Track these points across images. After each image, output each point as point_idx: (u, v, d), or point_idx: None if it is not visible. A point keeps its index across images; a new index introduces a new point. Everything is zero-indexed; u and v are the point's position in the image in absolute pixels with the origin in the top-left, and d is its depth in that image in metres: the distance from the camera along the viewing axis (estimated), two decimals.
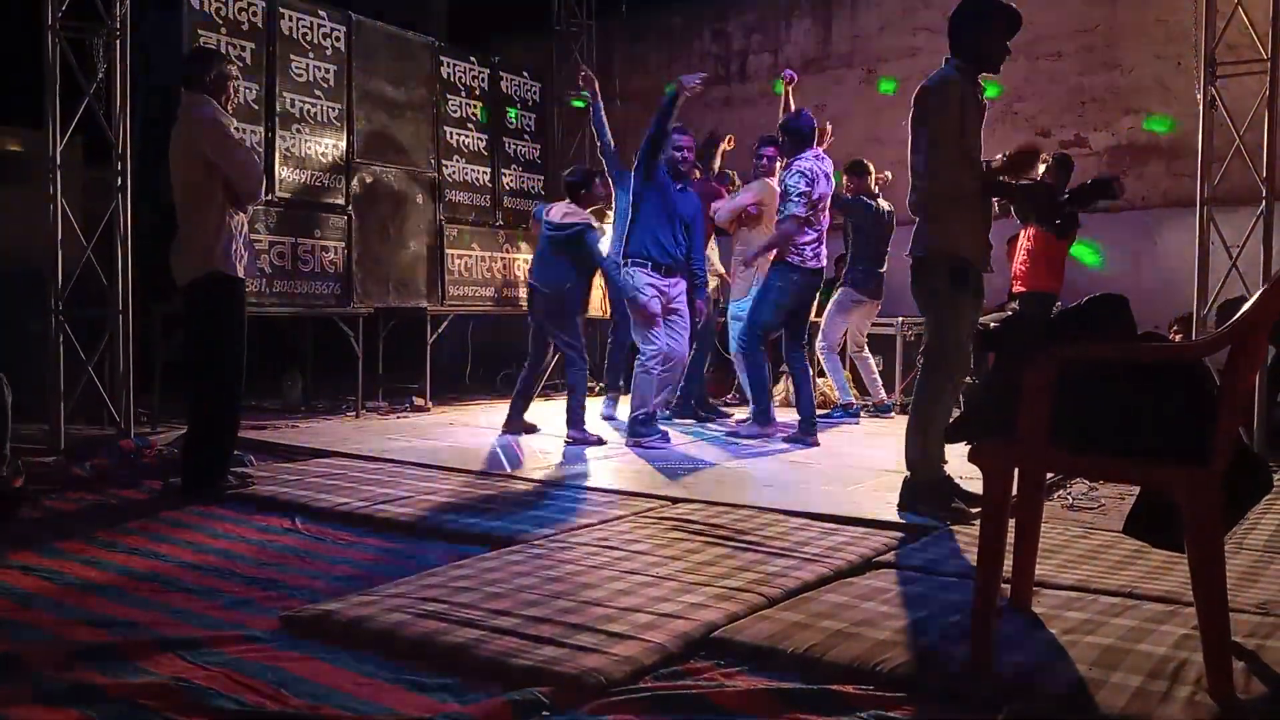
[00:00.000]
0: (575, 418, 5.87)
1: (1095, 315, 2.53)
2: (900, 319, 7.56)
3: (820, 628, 2.51)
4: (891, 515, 3.90)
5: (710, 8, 9.89)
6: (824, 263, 5.99)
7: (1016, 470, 2.52)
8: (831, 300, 7.09)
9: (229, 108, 4.39)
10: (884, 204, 7.10)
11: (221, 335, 4.30)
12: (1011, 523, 2.56)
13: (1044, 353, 2.32)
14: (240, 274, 4.33)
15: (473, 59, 8.56)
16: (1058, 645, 2.40)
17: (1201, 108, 5.40)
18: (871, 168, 7.13)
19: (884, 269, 7.03)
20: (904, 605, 2.71)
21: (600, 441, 5.80)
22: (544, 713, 2.06)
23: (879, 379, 7.37)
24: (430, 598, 2.74)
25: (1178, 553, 2.61)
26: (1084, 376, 2.29)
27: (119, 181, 5.64)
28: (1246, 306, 2.21)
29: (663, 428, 5.88)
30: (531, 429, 6.24)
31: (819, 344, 7.10)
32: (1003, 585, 2.45)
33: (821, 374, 7.51)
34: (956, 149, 3.78)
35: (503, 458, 5.38)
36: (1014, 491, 2.54)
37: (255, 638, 2.54)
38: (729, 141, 7.32)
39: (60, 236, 5.46)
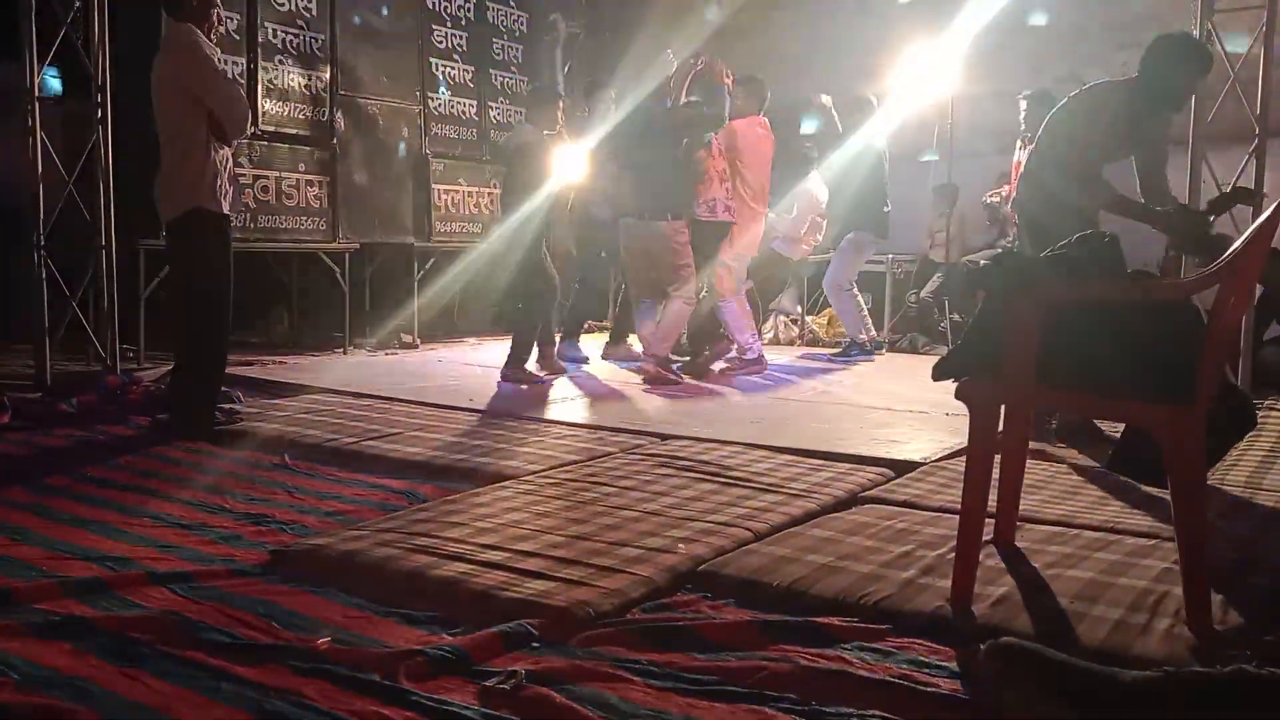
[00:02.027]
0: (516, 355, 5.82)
1: (1084, 253, 2.52)
2: (890, 256, 7.55)
3: (806, 561, 2.54)
4: (878, 451, 3.93)
5: None
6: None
7: (1002, 407, 2.53)
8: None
9: (212, 37, 4.28)
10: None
11: (207, 272, 4.25)
12: (996, 459, 2.59)
13: (1032, 290, 2.31)
14: (226, 210, 4.27)
15: None
16: (1040, 579, 2.44)
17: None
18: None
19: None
20: (889, 540, 2.74)
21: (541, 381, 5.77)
22: (533, 644, 2.09)
23: (867, 318, 7.33)
24: (420, 533, 2.75)
25: (1161, 489, 2.64)
26: (1071, 314, 2.29)
27: (99, 114, 5.54)
28: (1236, 245, 2.21)
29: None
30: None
31: (826, 282, 7.07)
32: (987, 520, 2.47)
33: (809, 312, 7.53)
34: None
35: (492, 394, 5.38)
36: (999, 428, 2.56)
37: (245, 572, 2.55)
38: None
39: (40, 170, 5.37)
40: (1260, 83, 5.26)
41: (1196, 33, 5.27)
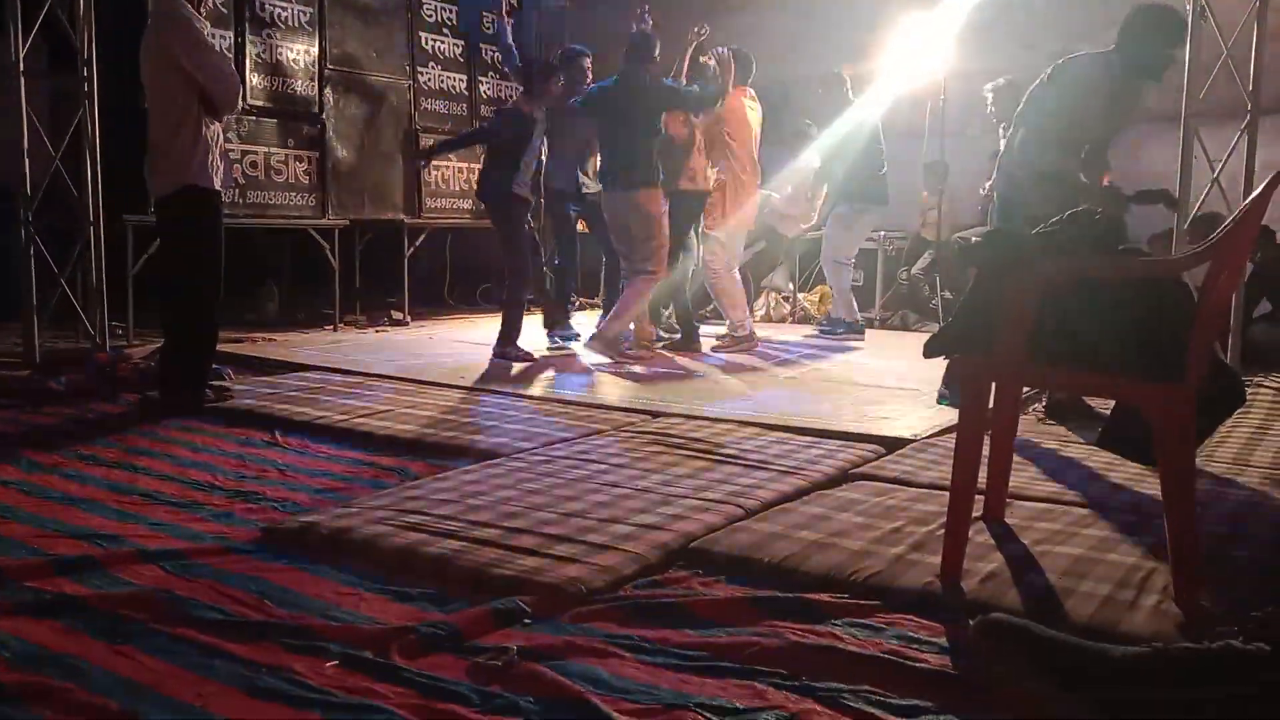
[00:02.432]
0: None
1: (1075, 230, 2.52)
2: (882, 233, 7.53)
3: (797, 538, 2.55)
4: (868, 428, 3.94)
5: None
6: None
7: (993, 384, 2.54)
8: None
9: (202, 11, 4.24)
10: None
11: (199, 249, 4.23)
12: (987, 436, 2.59)
13: (1024, 267, 2.31)
14: (216, 186, 4.24)
15: None
16: (1029, 555, 2.45)
17: (1190, 18, 5.31)
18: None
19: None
20: (879, 516, 2.75)
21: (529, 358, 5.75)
22: (525, 620, 2.09)
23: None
24: (412, 510, 2.76)
25: (1150, 466, 2.66)
26: (1062, 291, 2.30)
27: (86, 88, 5.48)
28: (1228, 222, 2.21)
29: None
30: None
31: (823, 256, 7.03)
32: (976, 497, 2.48)
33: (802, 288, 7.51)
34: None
35: (483, 371, 5.37)
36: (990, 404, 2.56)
37: (237, 549, 2.55)
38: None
39: (27, 146, 5.32)
40: (1253, 59, 5.25)
41: (1190, 7, 5.26)
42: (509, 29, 6.32)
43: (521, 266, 5.82)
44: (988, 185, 6.93)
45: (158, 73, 4.13)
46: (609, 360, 5.62)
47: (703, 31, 5.99)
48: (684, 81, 5.83)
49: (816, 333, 7.01)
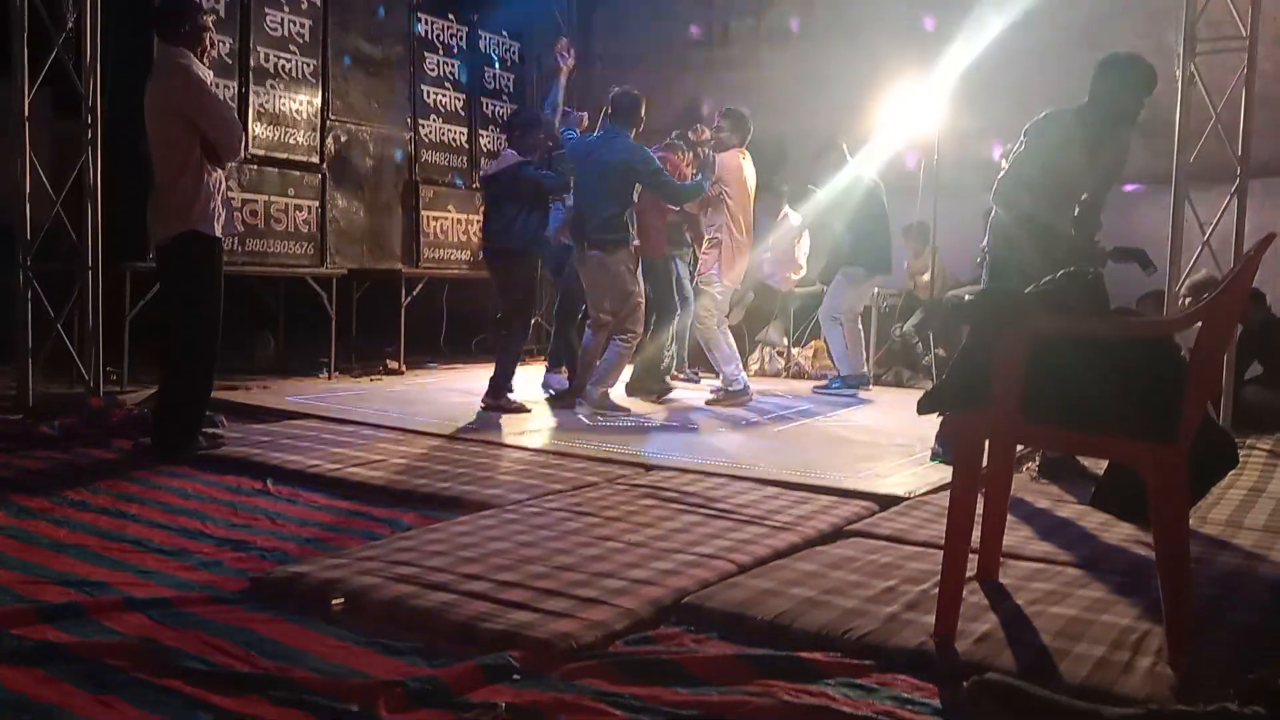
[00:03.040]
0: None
1: (1069, 289, 2.54)
2: (876, 290, 7.56)
3: (790, 595, 2.53)
4: (862, 485, 3.93)
5: None
6: None
7: (986, 442, 2.54)
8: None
9: (205, 61, 4.30)
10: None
11: (199, 295, 4.25)
12: (980, 494, 2.59)
13: (1018, 325, 2.33)
14: (218, 233, 4.27)
15: (450, 16, 8.45)
16: (1023, 615, 2.43)
17: (1180, 83, 5.40)
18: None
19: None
20: (873, 574, 2.73)
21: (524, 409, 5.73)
22: (514, 675, 2.07)
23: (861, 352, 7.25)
24: (402, 561, 2.74)
25: (1143, 526, 2.65)
26: (1056, 350, 2.31)
27: (89, 135, 5.53)
28: (1220, 285, 2.23)
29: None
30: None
31: (822, 313, 7.05)
32: (971, 555, 2.47)
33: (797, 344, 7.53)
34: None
35: (476, 422, 5.36)
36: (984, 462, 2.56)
37: (225, 599, 2.53)
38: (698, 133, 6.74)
39: (29, 190, 5.36)
40: (1241, 124, 5.33)
41: (1179, 73, 5.35)
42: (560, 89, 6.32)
43: (530, 316, 5.84)
44: (983, 244, 6.97)
45: (161, 120, 4.18)
46: (600, 417, 5.61)
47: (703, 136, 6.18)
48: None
49: (826, 385, 6.97)
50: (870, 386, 7.03)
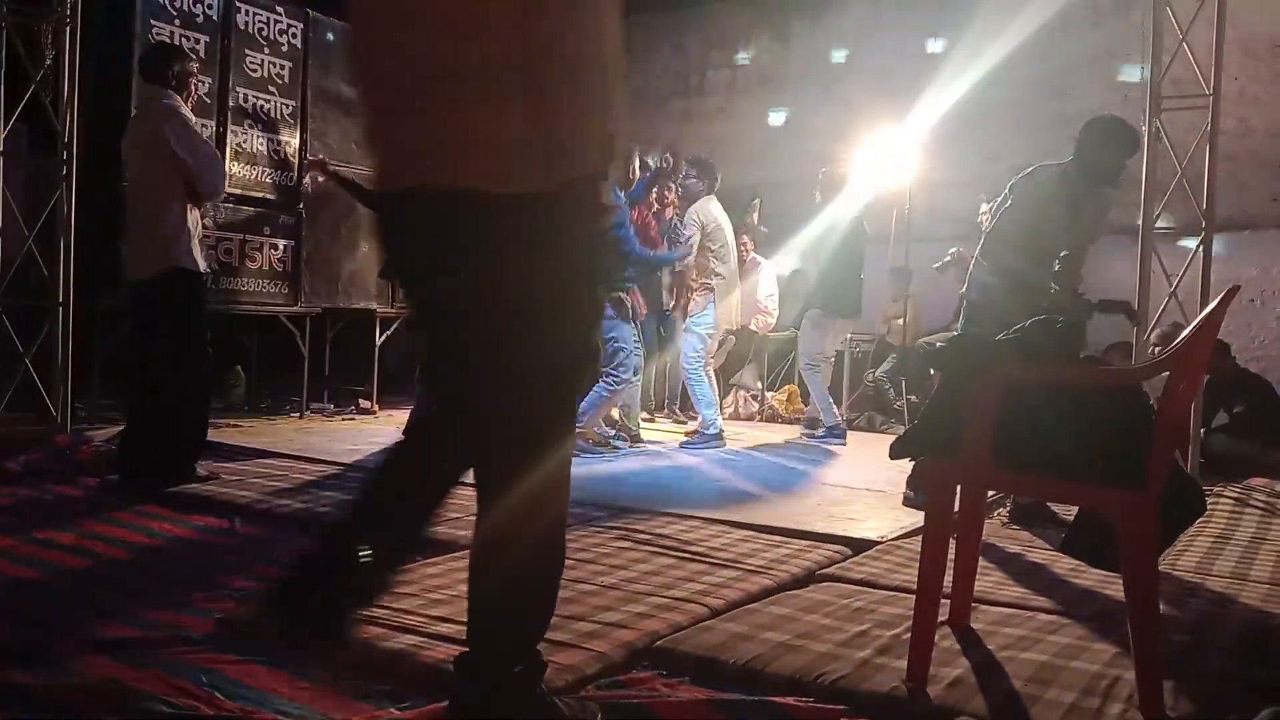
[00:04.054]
0: None
1: (1040, 337, 2.58)
2: (848, 336, 7.62)
3: (763, 639, 2.52)
4: (835, 529, 3.93)
5: (669, 21, 9.95)
6: None
7: (958, 487, 2.56)
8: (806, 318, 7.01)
9: (189, 104, 4.39)
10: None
11: (191, 327, 4.36)
12: (952, 539, 2.60)
13: (988, 372, 2.36)
14: (203, 269, 4.37)
15: None
16: (994, 660, 2.44)
17: (1146, 139, 5.53)
18: None
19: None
20: (846, 618, 2.73)
21: None
22: None
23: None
24: None
25: (1113, 572, 2.67)
26: (1026, 397, 2.34)
27: (64, 171, 5.52)
28: (1185, 334, 2.27)
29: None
30: None
31: (802, 362, 7.05)
32: (942, 601, 2.48)
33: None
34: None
35: None
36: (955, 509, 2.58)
37: (190, 639, 2.49)
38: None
39: (1, 225, 5.32)
40: (1206, 178, 5.45)
41: (1145, 129, 5.48)
42: None
43: None
44: (961, 290, 7.03)
45: (147, 161, 4.24)
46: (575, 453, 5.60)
47: (666, 159, 6.24)
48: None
49: (799, 436, 6.95)
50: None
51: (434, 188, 1.77)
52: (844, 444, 6.62)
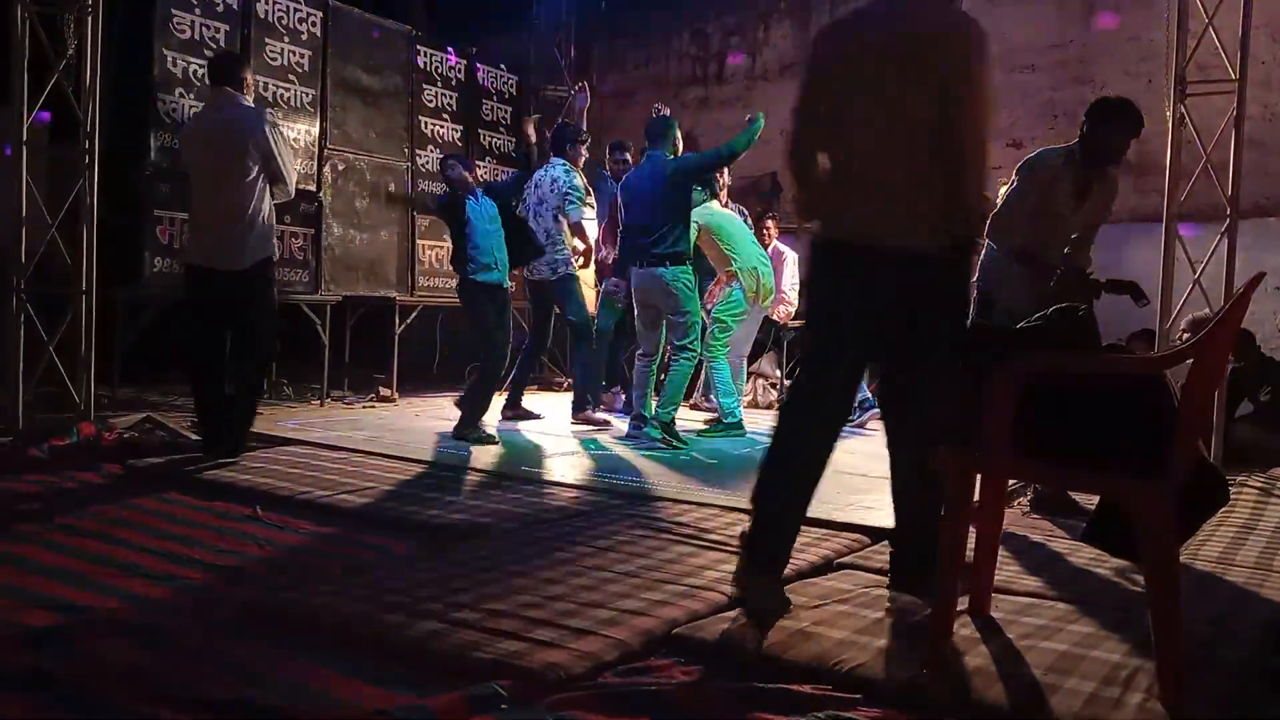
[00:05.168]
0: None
1: (1060, 326, 2.56)
2: None
3: (780, 627, 2.52)
4: (853, 517, 3.92)
5: (690, 8, 9.89)
6: None
7: (978, 476, 2.55)
8: None
9: (250, 98, 4.91)
10: None
11: (274, 310, 4.96)
12: (972, 528, 2.59)
13: (1010, 361, 2.34)
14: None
15: (450, 49, 8.52)
16: (1014, 650, 2.43)
17: (1170, 125, 5.47)
18: None
19: None
20: (864, 606, 2.72)
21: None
22: (502, 706, 2.06)
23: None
24: (391, 589, 2.72)
25: (1134, 562, 2.65)
26: (1047, 386, 2.32)
27: (86, 160, 5.55)
28: (1210, 322, 2.25)
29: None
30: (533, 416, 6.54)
31: None
32: (961, 590, 2.47)
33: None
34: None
35: (469, 450, 5.35)
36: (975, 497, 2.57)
37: (213, 625, 2.51)
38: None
39: (24, 214, 5.37)
40: (1231, 165, 5.38)
41: (1169, 114, 5.43)
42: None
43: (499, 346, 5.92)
44: (974, 279, 6.98)
45: (233, 156, 4.65)
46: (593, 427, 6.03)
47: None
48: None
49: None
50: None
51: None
52: (876, 410, 6.72)
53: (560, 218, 6.41)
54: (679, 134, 5.89)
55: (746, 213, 7.28)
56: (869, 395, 6.91)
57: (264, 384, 5.03)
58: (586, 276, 7.07)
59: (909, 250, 2.61)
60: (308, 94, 7.16)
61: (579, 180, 6.48)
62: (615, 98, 10.03)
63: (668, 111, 6.24)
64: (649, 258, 5.65)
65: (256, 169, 4.68)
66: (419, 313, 7.97)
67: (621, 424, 6.23)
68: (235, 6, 6.63)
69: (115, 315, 6.12)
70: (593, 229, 6.85)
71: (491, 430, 5.86)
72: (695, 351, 5.83)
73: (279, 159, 4.73)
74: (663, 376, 5.96)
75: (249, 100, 4.83)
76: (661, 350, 5.95)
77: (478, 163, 8.66)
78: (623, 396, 7.09)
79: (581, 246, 6.54)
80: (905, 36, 2.66)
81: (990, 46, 2.66)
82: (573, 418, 6.49)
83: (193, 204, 4.98)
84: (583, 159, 6.64)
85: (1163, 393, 2.32)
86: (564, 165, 6.49)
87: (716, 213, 6.48)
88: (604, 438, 6.02)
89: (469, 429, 5.69)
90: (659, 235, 5.61)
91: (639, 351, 6.03)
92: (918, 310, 2.66)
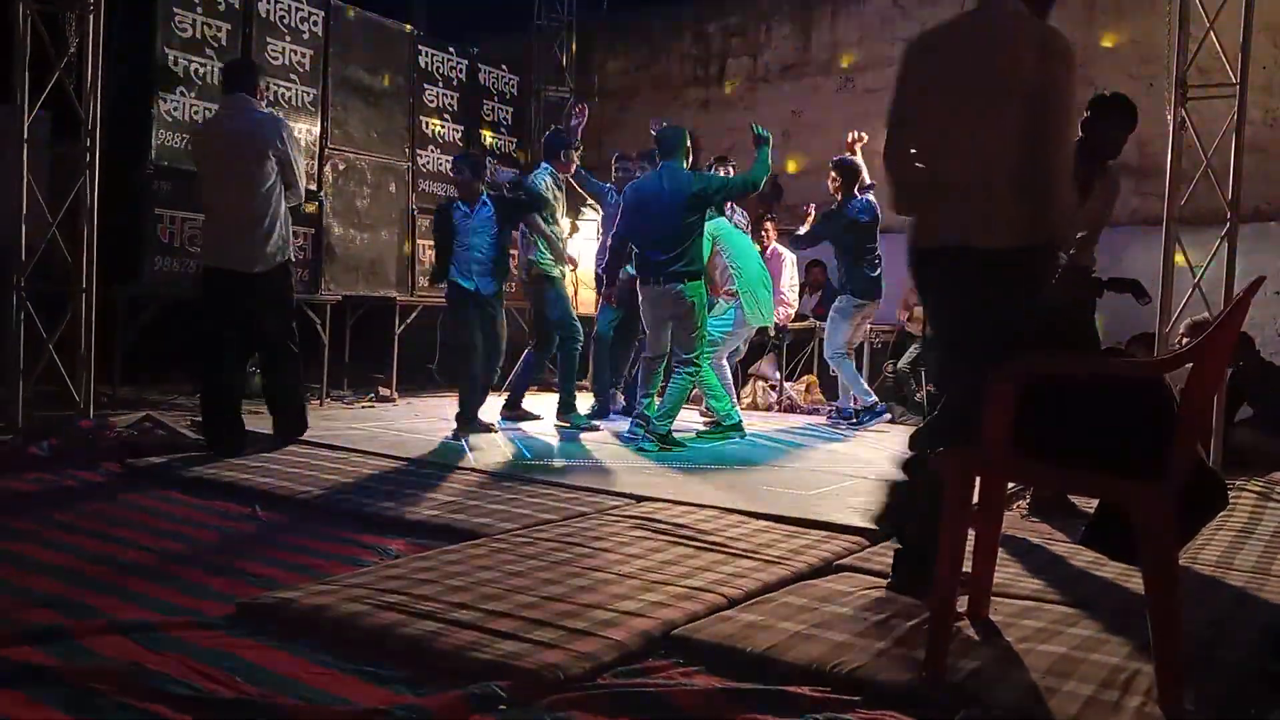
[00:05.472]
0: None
1: (1060, 328, 2.56)
2: (868, 326, 7.59)
3: (779, 629, 2.52)
4: (853, 520, 3.92)
5: (691, 9, 9.91)
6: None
7: (977, 478, 2.55)
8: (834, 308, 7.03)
9: (263, 101, 5.17)
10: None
11: (292, 313, 5.16)
12: (971, 531, 2.59)
13: (1009, 363, 2.34)
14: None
15: (451, 49, 8.53)
16: (1012, 653, 2.43)
17: (1171, 129, 5.47)
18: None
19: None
20: (863, 609, 2.72)
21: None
22: (500, 706, 2.06)
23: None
24: (390, 589, 2.72)
25: (1134, 566, 2.65)
26: (1047, 388, 2.32)
27: (87, 158, 5.55)
28: (1210, 326, 2.25)
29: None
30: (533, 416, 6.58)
31: (828, 354, 7.05)
32: (960, 592, 2.47)
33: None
34: None
35: (468, 450, 5.35)
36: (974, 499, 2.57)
37: (211, 624, 2.51)
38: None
39: (25, 212, 5.37)
40: (1232, 169, 5.38)
41: (1170, 118, 5.43)
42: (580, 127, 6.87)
43: (473, 344, 6.02)
44: None
45: (253, 160, 4.79)
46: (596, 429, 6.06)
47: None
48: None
49: (847, 426, 6.93)
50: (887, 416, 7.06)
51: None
52: (889, 417, 6.94)
53: (535, 220, 6.41)
54: (689, 142, 5.90)
55: (746, 214, 7.28)
56: (877, 401, 6.95)
57: (299, 371, 5.26)
58: (585, 277, 7.10)
59: (998, 251, 2.72)
60: (309, 93, 7.17)
61: (545, 189, 6.43)
62: (616, 98, 10.04)
63: (665, 124, 6.21)
64: (668, 274, 5.62)
65: (274, 174, 4.81)
66: (419, 313, 7.97)
67: (621, 425, 6.23)
68: (236, 5, 6.64)
69: (115, 314, 6.12)
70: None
71: (489, 421, 6.03)
72: (699, 368, 5.83)
73: (294, 165, 4.90)
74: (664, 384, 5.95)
75: (262, 106, 5.00)
76: (667, 356, 5.92)
77: None
78: (621, 399, 7.09)
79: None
80: (997, 51, 2.79)
81: (1076, 58, 2.78)
82: (557, 418, 6.50)
83: (210, 208, 5.03)
84: (574, 165, 6.67)
85: (1162, 395, 2.33)
86: (548, 170, 6.49)
87: (727, 226, 6.54)
88: (604, 438, 6.02)
89: (465, 426, 5.85)
90: (680, 252, 5.61)
91: (645, 355, 6.02)
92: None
